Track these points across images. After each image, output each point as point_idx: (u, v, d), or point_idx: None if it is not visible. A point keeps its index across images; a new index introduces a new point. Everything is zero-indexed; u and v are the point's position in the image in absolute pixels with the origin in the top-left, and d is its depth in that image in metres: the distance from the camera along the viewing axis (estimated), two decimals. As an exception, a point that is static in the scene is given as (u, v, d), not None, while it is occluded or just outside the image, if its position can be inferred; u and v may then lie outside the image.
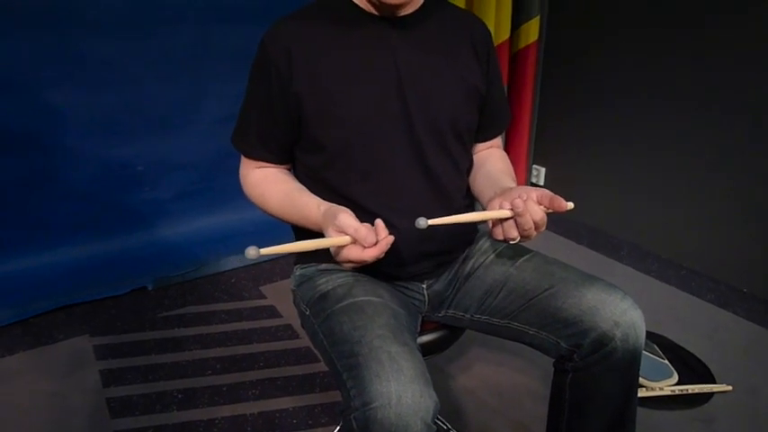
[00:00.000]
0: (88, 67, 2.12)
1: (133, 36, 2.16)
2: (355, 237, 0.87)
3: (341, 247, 0.89)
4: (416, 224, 0.89)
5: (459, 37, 1.13)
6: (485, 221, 0.98)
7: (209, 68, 2.34)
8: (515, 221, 0.94)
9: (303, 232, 1.08)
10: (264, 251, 0.82)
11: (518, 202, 0.92)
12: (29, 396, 1.70)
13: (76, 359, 1.86)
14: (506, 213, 0.94)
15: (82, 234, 2.28)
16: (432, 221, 0.90)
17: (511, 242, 0.97)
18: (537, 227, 0.94)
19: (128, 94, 2.23)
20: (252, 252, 0.81)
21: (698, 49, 2.18)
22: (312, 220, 1.01)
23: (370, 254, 0.87)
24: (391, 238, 0.89)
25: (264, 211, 1.13)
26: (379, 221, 0.90)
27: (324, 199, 1.03)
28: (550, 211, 0.95)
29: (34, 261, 2.19)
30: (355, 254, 0.88)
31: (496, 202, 0.97)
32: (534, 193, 0.95)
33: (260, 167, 1.13)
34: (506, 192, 0.99)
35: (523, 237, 0.95)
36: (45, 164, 2.16)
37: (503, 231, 0.96)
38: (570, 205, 0.96)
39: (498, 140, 1.28)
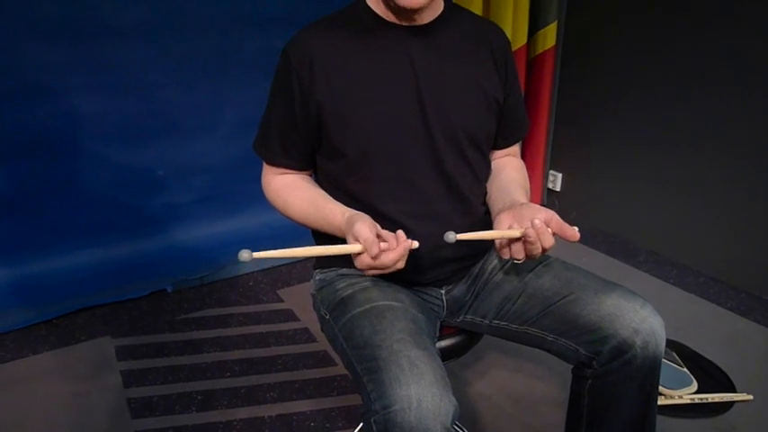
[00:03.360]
0: (110, 74, 2.16)
1: (154, 43, 2.19)
2: (364, 245, 0.89)
3: (357, 255, 0.91)
4: (445, 238, 0.91)
5: (477, 45, 1.14)
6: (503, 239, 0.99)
7: (228, 75, 2.37)
8: (524, 244, 0.96)
9: (324, 238, 1.10)
10: (258, 255, 0.84)
11: (531, 232, 0.94)
12: (51, 395, 1.73)
13: (98, 360, 1.89)
14: (515, 234, 0.96)
15: (103, 237, 2.32)
16: (461, 236, 0.92)
17: (515, 261, 0.99)
18: (544, 249, 0.97)
19: (149, 99, 2.26)
20: (245, 255, 0.82)
21: (719, 52, 2.17)
22: (336, 226, 1.02)
23: (384, 260, 0.89)
24: (409, 243, 0.91)
25: (287, 217, 1.14)
26: (400, 233, 0.92)
27: (344, 205, 1.05)
28: (573, 239, 0.98)
29: (57, 263, 2.23)
30: (365, 262, 0.90)
31: (504, 220, 0.99)
32: (543, 214, 0.97)
33: (282, 174, 1.15)
34: (515, 208, 1.01)
35: (528, 258, 0.98)
36: (67, 168, 2.20)
37: (510, 252, 0.99)
38: (576, 236, 0.98)
39: (516, 148, 1.28)
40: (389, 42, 1.07)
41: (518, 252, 0.97)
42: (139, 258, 2.36)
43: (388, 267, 0.90)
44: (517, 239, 0.97)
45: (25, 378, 1.81)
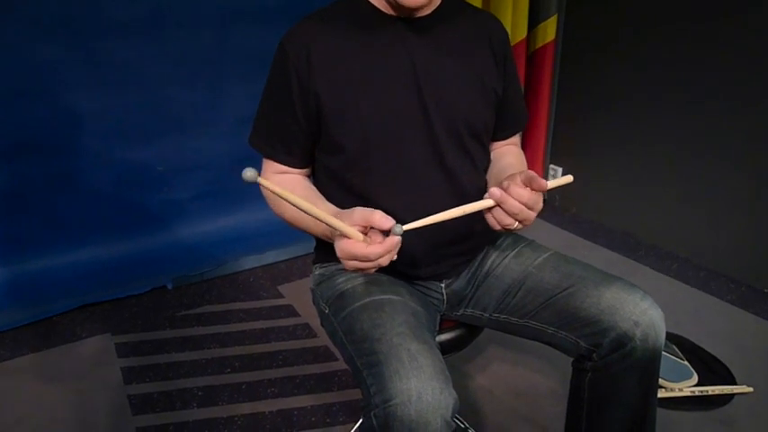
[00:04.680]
0: (108, 71, 2.15)
1: (153, 39, 2.19)
2: (352, 234, 0.86)
3: (346, 250, 0.88)
4: (393, 232, 0.86)
5: (476, 38, 1.13)
6: (467, 215, 0.94)
7: (227, 70, 2.37)
8: (503, 209, 0.93)
9: (321, 240, 1.09)
10: (263, 181, 0.78)
11: (494, 190, 0.92)
12: (52, 393, 1.73)
13: (99, 357, 1.89)
14: (487, 203, 0.93)
15: (103, 234, 2.32)
16: (407, 227, 0.87)
17: (510, 230, 0.95)
18: (529, 207, 0.93)
19: (148, 96, 2.26)
20: (249, 173, 0.77)
21: (719, 46, 2.16)
22: (324, 226, 0.99)
23: (368, 252, 0.85)
24: (397, 240, 0.86)
25: (282, 219, 1.13)
26: (379, 215, 0.87)
27: (344, 200, 1.04)
28: (542, 190, 0.93)
29: (57, 261, 2.23)
30: (350, 251, 0.86)
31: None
32: (518, 177, 0.94)
33: (280, 173, 1.13)
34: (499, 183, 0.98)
35: (520, 221, 0.94)
36: (67, 165, 2.20)
37: (496, 221, 0.95)
38: (568, 179, 0.95)
39: (516, 138, 1.28)
40: (388, 35, 1.06)
41: (503, 218, 0.93)
42: (139, 255, 2.36)
43: (372, 262, 0.87)
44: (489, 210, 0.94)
45: (25, 376, 1.81)
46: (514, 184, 0.93)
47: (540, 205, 0.96)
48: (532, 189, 0.93)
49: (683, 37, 2.26)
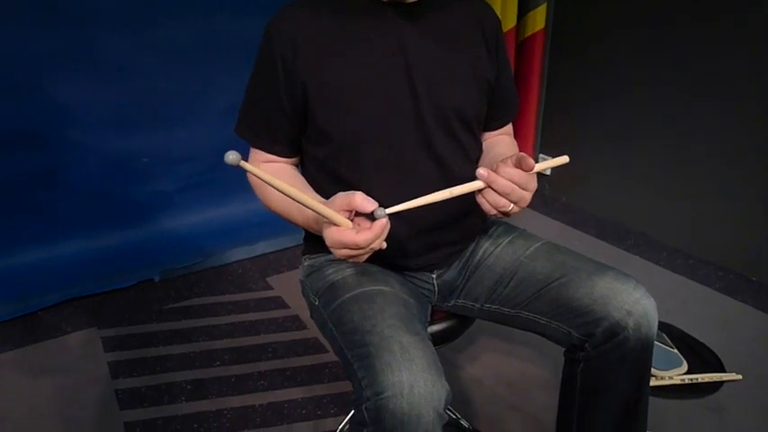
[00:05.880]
0: (93, 61, 2.11)
1: (138, 28, 2.14)
2: (339, 220, 0.84)
3: (335, 238, 0.85)
4: (376, 215, 0.84)
5: (468, 25, 1.11)
6: (454, 197, 0.91)
7: (214, 60, 2.33)
8: (494, 189, 0.90)
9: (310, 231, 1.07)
10: (245, 165, 0.75)
11: (481, 171, 0.90)
12: (38, 388, 1.71)
13: (85, 351, 1.87)
14: (476, 185, 0.91)
15: (89, 227, 2.28)
16: (391, 209, 0.85)
17: (507, 214, 0.93)
18: (522, 187, 0.90)
19: (133, 86, 2.21)
20: (231, 156, 0.73)
21: (709, 37, 2.16)
22: (311, 215, 0.97)
23: (358, 239, 0.83)
24: (385, 222, 0.84)
25: (267, 208, 1.11)
26: (360, 197, 0.85)
27: (333, 191, 1.01)
28: (531, 171, 0.91)
29: (42, 254, 2.19)
30: (337, 238, 0.85)
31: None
32: (509, 160, 0.92)
33: (268, 162, 1.11)
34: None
35: (514, 202, 0.91)
36: (51, 157, 2.16)
37: (489, 206, 0.92)
38: (564, 159, 0.93)
39: (509, 128, 1.27)
40: (377, 21, 1.04)
41: (497, 200, 0.91)
42: (126, 248, 2.33)
43: (362, 249, 0.84)
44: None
45: (11, 371, 1.78)
46: (503, 164, 0.91)
47: (534, 185, 0.92)
48: (523, 170, 0.90)
49: (672, 26, 2.25)
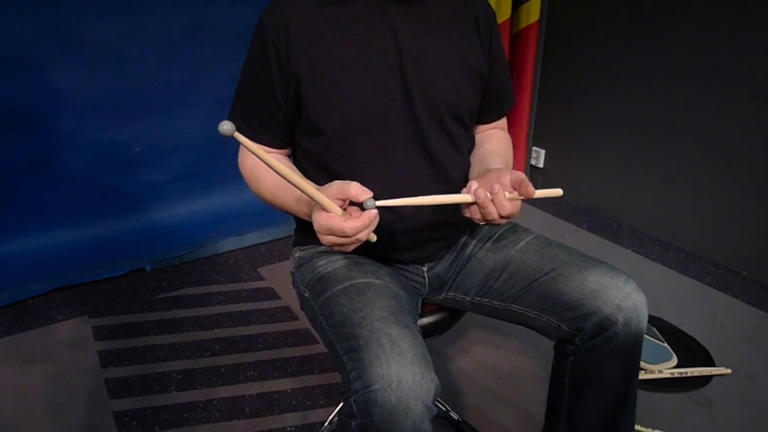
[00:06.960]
0: (84, 49, 2.09)
1: (130, 16, 2.12)
2: (331, 207, 0.85)
3: (323, 224, 0.85)
4: (365, 205, 0.84)
5: (462, 18, 1.10)
6: (445, 205, 0.93)
7: (207, 49, 2.31)
8: (480, 211, 0.92)
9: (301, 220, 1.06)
10: (240, 137, 0.74)
11: (480, 192, 0.90)
12: (28, 377, 1.70)
13: (75, 340, 1.86)
14: (466, 198, 0.92)
15: (79, 216, 2.27)
16: (381, 203, 0.85)
17: (490, 223, 0.95)
18: (503, 217, 0.92)
19: (125, 75, 2.20)
20: (226, 126, 0.72)
21: (702, 30, 2.15)
22: (303, 200, 0.97)
23: (346, 227, 0.83)
24: (374, 214, 0.84)
25: (259, 196, 1.10)
26: (356, 187, 0.85)
27: (325, 184, 1.01)
28: (523, 198, 0.92)
29: (32, 243, 2.18)
30: (327, 225, 0.84)
31: (471, 186, 0.94)
32: (509, 177, 0.93)
33: None
34: (485, 174, 0.98)
35: (487, 223, 0.94)
36: (42, 146, 2.14)
37: (469, 212, 0.94)
38: (557, 192, 0.95)
39: (503, 122, 1.26)
40: (371, 12, 1.03)
41: (474, 213, 0.93)
42: (117, 237, 2.32)
43: (348, 237, 0.84)
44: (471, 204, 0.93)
45: (0, 360, 1.77)
46: (502, 185, 0.91)
47: (518, 211, 0.93)
48: (520, 193, 0.92)
49: (667, 19, 2.25)
